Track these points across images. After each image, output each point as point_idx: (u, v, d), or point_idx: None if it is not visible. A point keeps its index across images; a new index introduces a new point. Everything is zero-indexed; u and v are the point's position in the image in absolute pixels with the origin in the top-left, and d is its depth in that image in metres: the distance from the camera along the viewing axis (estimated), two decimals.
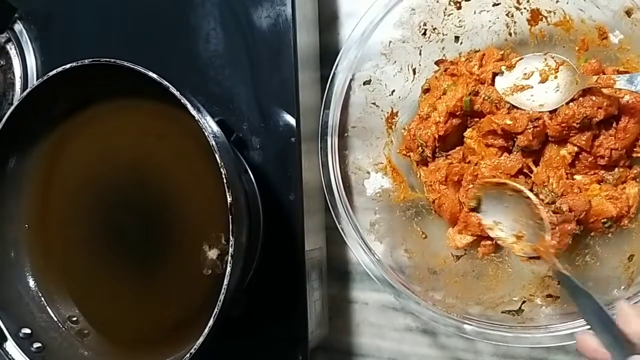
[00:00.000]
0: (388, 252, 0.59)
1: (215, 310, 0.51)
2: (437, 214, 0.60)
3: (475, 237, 0.58)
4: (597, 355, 0.43)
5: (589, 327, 0.45)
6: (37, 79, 0.67)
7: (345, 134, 0.60)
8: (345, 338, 0.69)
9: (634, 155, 0.55)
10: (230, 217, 0.50)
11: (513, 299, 0.56)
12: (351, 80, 0.60)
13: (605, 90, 0.53)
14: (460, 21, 0.60)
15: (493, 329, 0.53)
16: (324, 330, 0.66)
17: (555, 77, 0.56)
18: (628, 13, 0.54)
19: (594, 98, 0.53)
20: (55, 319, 0.62)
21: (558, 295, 0.55)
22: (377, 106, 0.62)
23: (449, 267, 0.59)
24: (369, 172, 0.62)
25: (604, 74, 0.55)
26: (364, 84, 0.61)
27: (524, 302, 0.55)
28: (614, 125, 0.54)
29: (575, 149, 0.55)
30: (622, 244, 0.54)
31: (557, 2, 0.56)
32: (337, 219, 0.59)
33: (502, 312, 0.55)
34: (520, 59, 0.57)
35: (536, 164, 0.57)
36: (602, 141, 0.54)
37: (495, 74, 0.58)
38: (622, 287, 0.52)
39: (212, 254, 0.56)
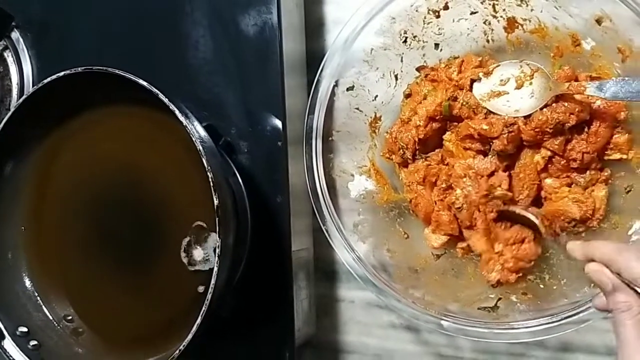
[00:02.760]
0: (371, 251, 0.61)
1: (203, 308, 0.53)
2: (414, 213, 0.63)
3: (449, 237, 0.60)
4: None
5: None
6: (34, 85, 0.69)
7: (330, 138, 0.62)
8: (332, 335, 0.71)
9: (605, 157, 0.57)
10: (217, 218, 0.52)
11: (490, 296, 0.58)
12: (335, 86, 0.62)
13: (577, 96, 0.55)
14: (439, 29, 0.62)
15: (470, 325, 0.55)
16: (311, 328, 0.68)
17: (531, 84, 0.58)
18: (598, 21, 0.56)
19: (566, 104, 0.55)
20: (51, 318, 0.64)
21: (532, 292, 0.57)
22: (360, 111, 0.64)
23: (430, 266, 0.62)
24: (353, 175, 0.64)
25: (577, 80, 0.57)
26: (348, 89, 0.63)
27: (499, 299, 0.57)
28: (586, 129, 0.56)
29: (549, 153, 0.57)
30: None
31: (531, 10, 0.58)
32: (322, 221, 0.61)
33: (479, 309, 0.57)
34: (497, 66, 0.59)
35: (512, 167, 0.59)
36: (575, 145, 0.56)
37: (473, 80, 0.60)
38: (592, 284, 0.54)
39: (201, 254, 0.58)
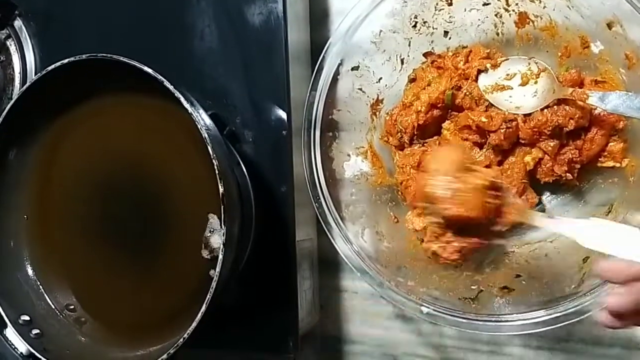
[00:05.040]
0: (359, 233, 0.61)
1: (208, 296, 0.52)
2: (402, 195, 0.63)
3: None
4: (624, 270, 0.42)
5: None
6: (36, 74, 0.69)
7: (330, 117, 0.62)
8: (335, 325, 0.72)
9: (599, 164, 0.58)
10: (222, 207, 0.52)
11: (471, 287, 0.59)
12: (340, 65, 0.61)
13: (579, 102, 0.55)
14: (450, 17, 0.62)
15: (448, 313, 0.56)
16: (315, 317, 0.69)
17: (536, 83, 0.58)
18: (609, 26, 0.56)
19: (567, 108, 0.56)
20: (54, 307, 0.64)
21: (513, 287, 0.58)
22: (363, 92, 0.64)
23: (416, 251, 0.62)
24: (349, 155, 0.64)
25: (582, 82, 0.58)
26: (352, 69, 0.62)
27: (481, 291, 0.58)
28: (583, 136, 0.56)
29: (540, 155, 0.57)
30: (580, 245, 0.55)
31: (544, 7, 0.59)
32: (314, 199, 0.59)
33: (459, 299, 0.57)
34: (506, 60, 0.60)
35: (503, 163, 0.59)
36: (567, 151, 0.57)
37: (480, 71, 0.60)
38: (573, 285, 0.55)
39: (205, 242, 0.58)
